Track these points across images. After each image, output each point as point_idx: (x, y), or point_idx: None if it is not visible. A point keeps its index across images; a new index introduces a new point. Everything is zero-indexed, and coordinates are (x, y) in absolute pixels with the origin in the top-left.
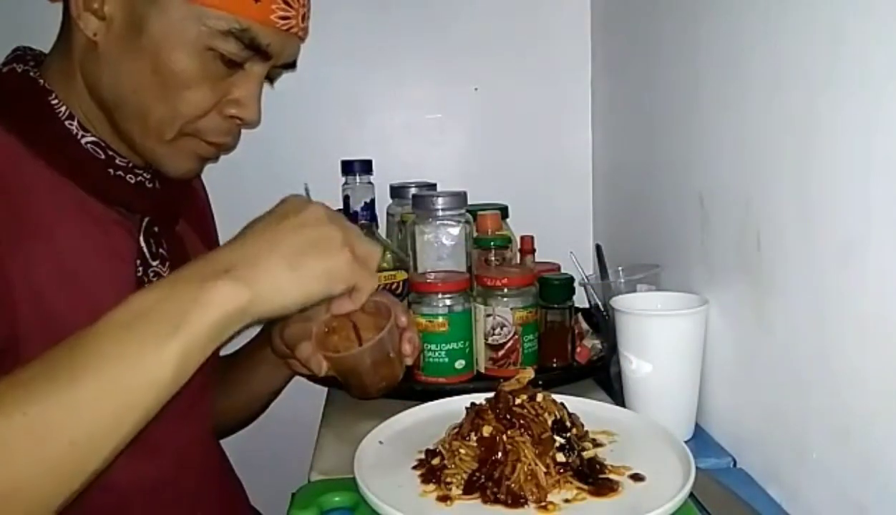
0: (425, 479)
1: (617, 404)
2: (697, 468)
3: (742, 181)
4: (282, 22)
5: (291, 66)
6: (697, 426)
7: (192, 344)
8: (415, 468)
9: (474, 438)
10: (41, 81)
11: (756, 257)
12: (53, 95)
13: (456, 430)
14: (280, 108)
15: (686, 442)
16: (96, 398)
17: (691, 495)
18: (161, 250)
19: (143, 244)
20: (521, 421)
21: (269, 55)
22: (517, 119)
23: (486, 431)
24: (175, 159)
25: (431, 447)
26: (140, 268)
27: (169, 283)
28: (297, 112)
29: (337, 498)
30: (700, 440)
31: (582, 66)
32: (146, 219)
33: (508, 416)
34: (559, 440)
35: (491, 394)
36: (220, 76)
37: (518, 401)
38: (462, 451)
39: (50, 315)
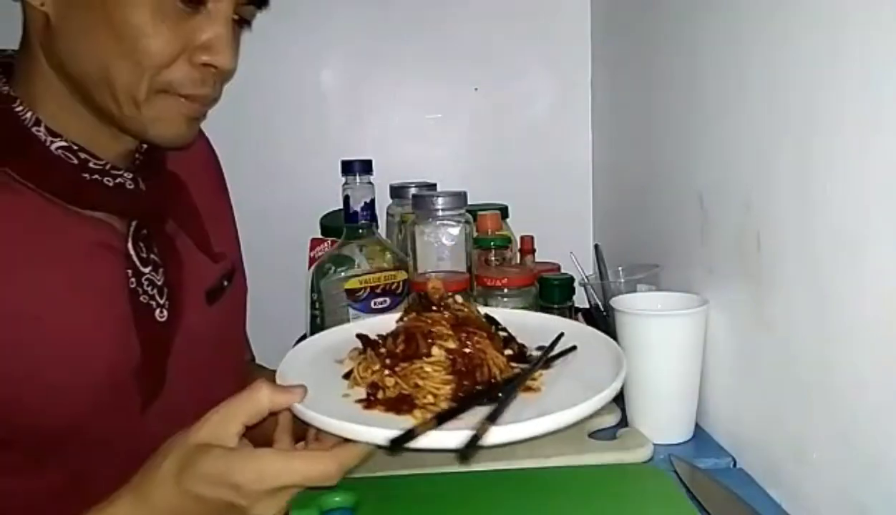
0: (400, 412)
1: (616, 404)
2: (697, 468)
3: (742, 181)
4: None
5: (262, 1)
6: (697, 426)
7: None
8: (367, 407)
9: (439, 354)
10: (6, 89)
11: (756, 257)
12: (18, 102)
13: (387, 360)
14: (280, 109)
15: (686, 443)
16: None
17: (692, 495)
18: (153, 255)
19: (132, 250)
20: (471, 327)
21: None
22: (517, 119)
23: (453, 343)
24: (160, 124)
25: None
26: (133, 280)
27: None
28: (297, 112)
29: (337, 498)
30: (700, 440)
31: (582, 66)
32: (133, 223)
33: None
34: (502, 334)
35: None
36: (178, 18)
37: (448, 301)
38: (428, 370)
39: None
